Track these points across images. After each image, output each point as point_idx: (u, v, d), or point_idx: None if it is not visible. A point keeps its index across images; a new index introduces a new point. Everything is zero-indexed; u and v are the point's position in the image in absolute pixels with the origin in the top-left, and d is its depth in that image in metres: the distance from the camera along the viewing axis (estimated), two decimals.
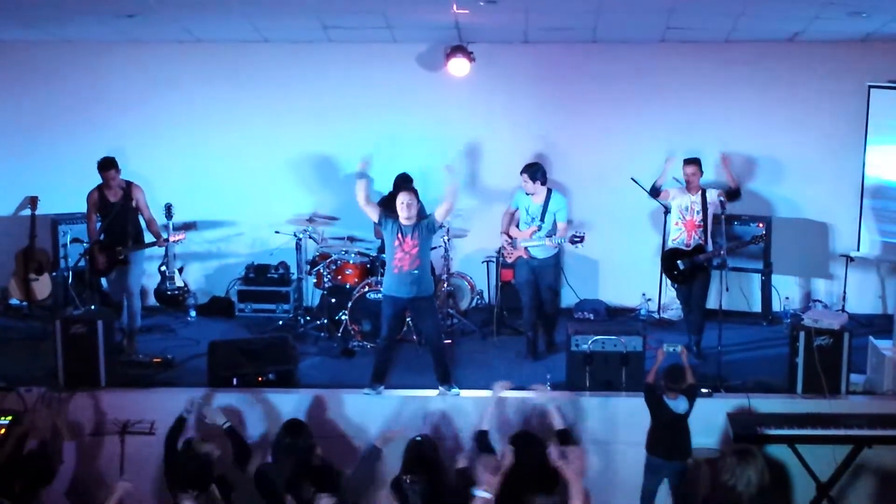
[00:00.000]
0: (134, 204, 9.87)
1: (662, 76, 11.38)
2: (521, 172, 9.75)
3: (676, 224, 9.89)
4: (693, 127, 11.33)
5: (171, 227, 10.06)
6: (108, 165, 9.79)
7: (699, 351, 9.69)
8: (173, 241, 10.03)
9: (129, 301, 9.97)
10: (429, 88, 11.48)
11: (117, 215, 9.80)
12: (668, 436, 7.80)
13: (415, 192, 8.80)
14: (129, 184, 9.92)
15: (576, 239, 9.54)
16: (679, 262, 9.79)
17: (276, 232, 10.67)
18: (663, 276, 10.48)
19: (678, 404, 7.76)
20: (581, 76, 11.46)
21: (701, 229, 9.76)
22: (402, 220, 8.52)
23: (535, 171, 9.73)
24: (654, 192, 10.10)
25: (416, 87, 11.50)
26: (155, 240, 9.95)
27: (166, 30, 10.71)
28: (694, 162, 9.85)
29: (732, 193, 10.02)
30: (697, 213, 9.74)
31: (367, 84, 11.50)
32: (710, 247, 9.76)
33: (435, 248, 9.27)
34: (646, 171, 10.37)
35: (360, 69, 11.49)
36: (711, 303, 9.82)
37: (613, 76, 11.42)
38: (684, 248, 9.80)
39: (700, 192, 9.80)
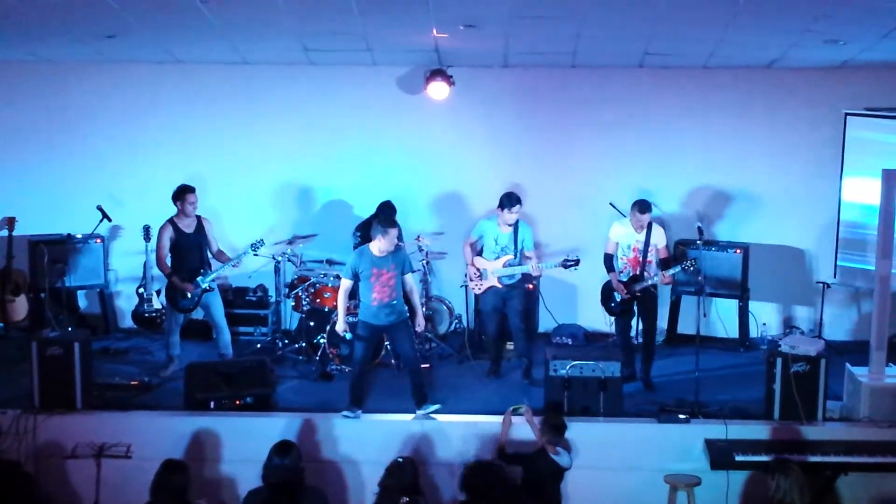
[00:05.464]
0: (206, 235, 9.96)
1: (641, 101, 11.43)
2: (513, 204, 9.50)
3: (621, 259, 9.70)
4: (671, 152, 11.43)
5: (148, 248, 10.02)
6: (188, 189, 9.82)
7: (648, 380, 9.63)
8: (239, 259, 10.05)
9: (219, 335, 10.05)
10: (408, 111, 11.49)
11: (194, 246, 9.85)
12: (549, 491, 7.65)
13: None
14: (197, 216, 9.95)
15: (569, 263, 9.54)
16: (615, 294, 9.66)
17: (255, 254, 10.66)
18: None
19: (562, 458, 7.67)
20: (560, 101, 11.50)
21: (649, 264, 9.60)
22: (376, 253, 8.60)
23: (520, 199, 9.62)
24: (607, 260, 9.76)
25: (395, 110, 11.51)
26: (224, 264, 9.99)
27: (146, 50, 10.68)
28: (646, 209, 9.50)
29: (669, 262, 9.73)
30: (640, 250, 9.57)
31: (346, 106, 11.51)
32: (654, 277, 9.54)
33: (415, 271, 9.27)
34: (624, 195, 10.42)
35: (340, 91, 11.50)
36: (689, 328, 9.80)
37: (593, 101, 11.46)
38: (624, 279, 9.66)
39: (645, 230, 9.57)
